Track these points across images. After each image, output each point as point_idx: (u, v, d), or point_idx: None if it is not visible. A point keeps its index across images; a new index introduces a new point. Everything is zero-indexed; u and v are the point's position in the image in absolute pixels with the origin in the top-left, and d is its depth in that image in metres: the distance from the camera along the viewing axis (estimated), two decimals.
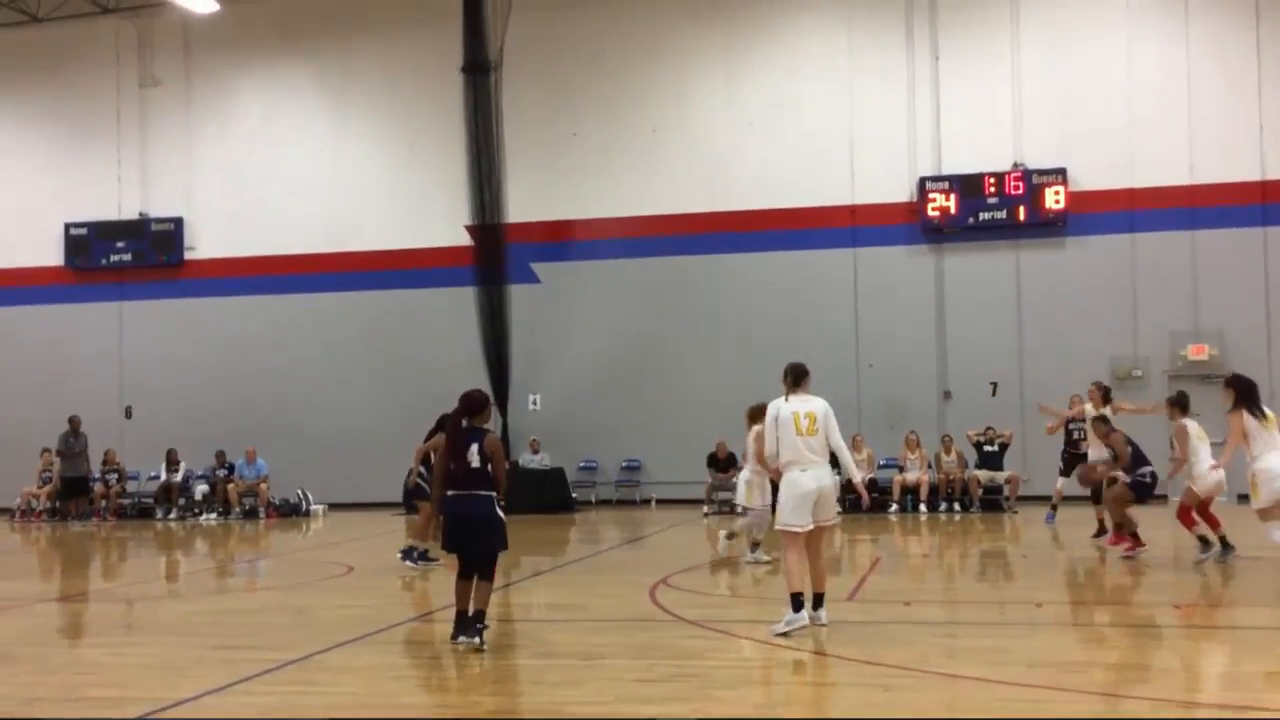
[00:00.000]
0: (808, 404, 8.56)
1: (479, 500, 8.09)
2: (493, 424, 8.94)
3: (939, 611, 10.02)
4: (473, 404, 8.36)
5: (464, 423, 8.29)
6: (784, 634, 8.21)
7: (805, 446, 8.41)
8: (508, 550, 8.27)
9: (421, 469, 13.09)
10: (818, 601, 8.58)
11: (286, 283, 24.37)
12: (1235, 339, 20.39)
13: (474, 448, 8.12)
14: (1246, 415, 10.58)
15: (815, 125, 22.24)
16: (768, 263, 22.29)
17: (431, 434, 13.06)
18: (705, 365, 22.27)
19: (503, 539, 8.16)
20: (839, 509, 9.58)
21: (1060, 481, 16.37)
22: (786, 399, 8.62)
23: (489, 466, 8.09)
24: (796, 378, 8.68)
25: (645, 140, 23.06)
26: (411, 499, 13.60)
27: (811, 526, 8.48)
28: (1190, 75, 20.83)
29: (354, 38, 24.40)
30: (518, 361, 22.37)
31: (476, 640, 8.02)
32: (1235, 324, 20.49)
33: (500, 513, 8.14)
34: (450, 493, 8.19)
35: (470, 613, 8.13)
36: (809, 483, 8.40)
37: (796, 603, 8.31)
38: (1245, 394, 10.73)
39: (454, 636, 8.21)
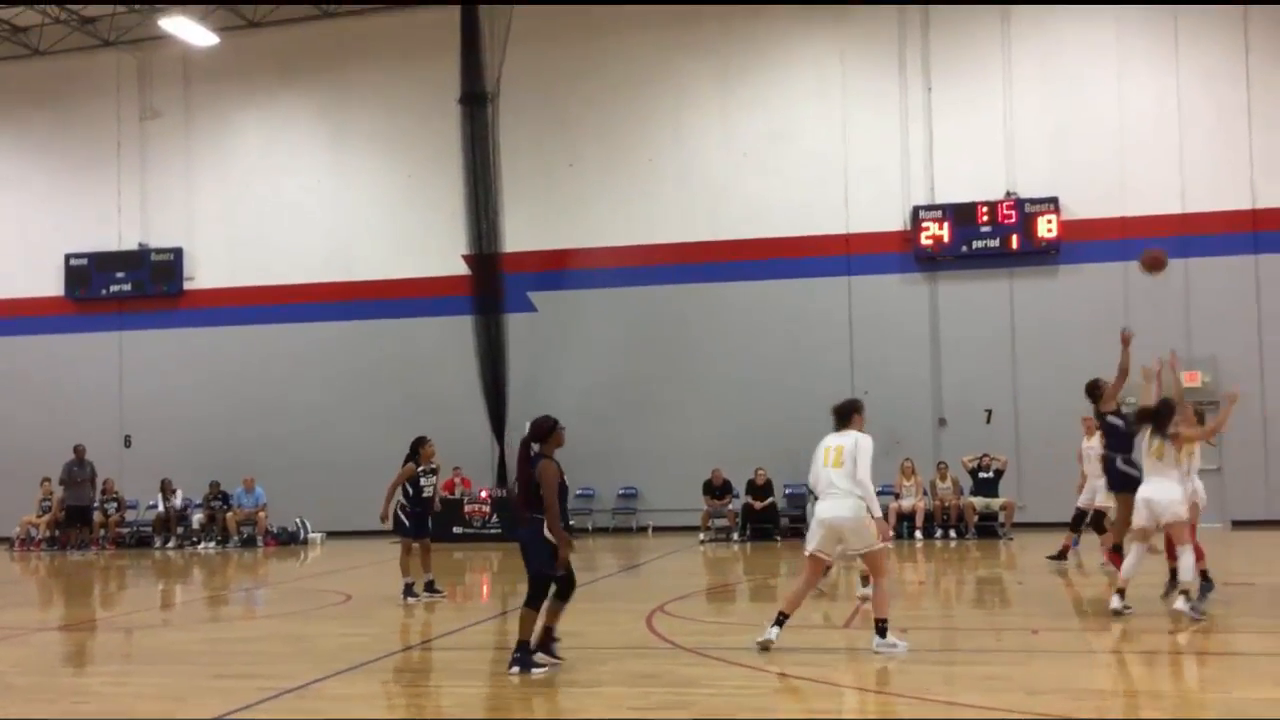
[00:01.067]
0: (840, 438, 8.92)
1: (527, 523, 8.37)
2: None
3: (936, 639, 10.06)
4: (536, 430, 8.55)
5: (532, 448, 8.47)
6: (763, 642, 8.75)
7: (827, 478, 8.84)
8: (554, 574, 8.30)
9: (403, 500, 13.04)
10: (879, 629, 8.75)
11: (285, 312, 24.47)
12: (1228, 366, 20.46)
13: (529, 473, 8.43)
14: (1148, 437, 10.47)
15: (810, 155, 22.41)
16: (763, 291, 22.42)
17: (404, 462, 13.08)
18: (701, 393, 22.36)
19: (544, 562, 8.25)
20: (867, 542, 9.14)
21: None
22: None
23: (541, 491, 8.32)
24: (838, 416, 9.01)
25: (641, 170, 23.22)
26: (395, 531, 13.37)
27: (828, 555, 9.04)
28: (1181, 105, 21.02)
29: (352, 69, 24.60)
30: (515, 390, 22.42)
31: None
32: (1227, 351, 20.57)
33: (549, 535, 8.23)
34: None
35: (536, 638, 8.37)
36: (823, 512, 8.89)
37: (778, 619, 8.85)
38: (1153, 420, 10.54)
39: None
